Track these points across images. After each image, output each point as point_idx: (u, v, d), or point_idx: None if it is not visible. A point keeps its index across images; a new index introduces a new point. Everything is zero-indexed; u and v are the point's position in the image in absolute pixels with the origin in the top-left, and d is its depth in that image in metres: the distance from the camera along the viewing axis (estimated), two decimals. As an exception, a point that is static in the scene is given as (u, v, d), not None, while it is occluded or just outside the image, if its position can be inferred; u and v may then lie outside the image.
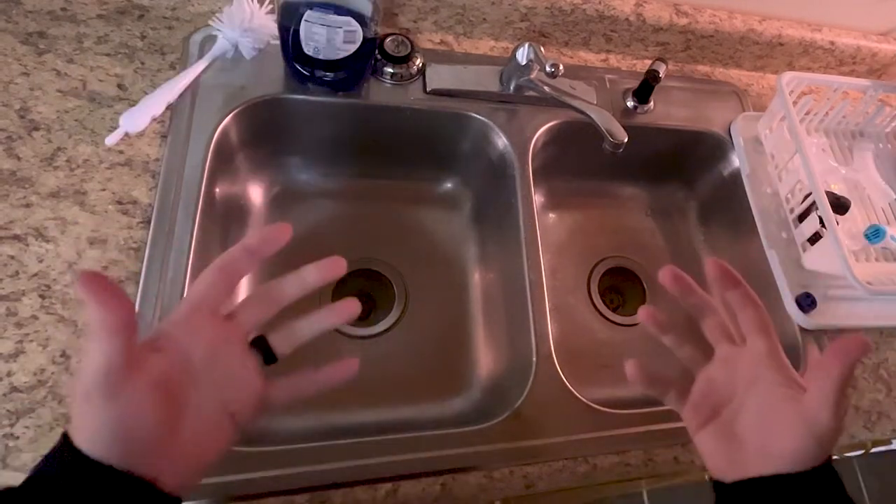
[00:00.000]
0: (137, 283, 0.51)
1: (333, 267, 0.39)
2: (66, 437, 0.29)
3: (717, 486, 0.36)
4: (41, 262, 0.50)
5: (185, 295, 0.34)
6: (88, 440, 0.29)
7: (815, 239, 0.65)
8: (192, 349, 0.34)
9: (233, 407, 0.35)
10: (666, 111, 0.76)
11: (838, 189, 0.72)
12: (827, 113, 0.76)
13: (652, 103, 0.75)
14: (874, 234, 0.65)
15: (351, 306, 0.39)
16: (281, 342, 0.38)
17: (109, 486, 0.29)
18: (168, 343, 0.33)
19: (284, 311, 0.38)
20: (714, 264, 0.40)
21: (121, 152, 0.56)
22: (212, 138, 0.59)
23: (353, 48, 0.59)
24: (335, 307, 0.39)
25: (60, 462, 0.29)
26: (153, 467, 0.30)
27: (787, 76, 0.69)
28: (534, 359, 0.58)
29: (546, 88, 0.65)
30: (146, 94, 0.58)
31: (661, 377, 0.41)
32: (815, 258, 0.65)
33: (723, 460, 0.36)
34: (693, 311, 0.42)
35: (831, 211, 0.60)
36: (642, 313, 0.42)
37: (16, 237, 0.50)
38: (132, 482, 0.29)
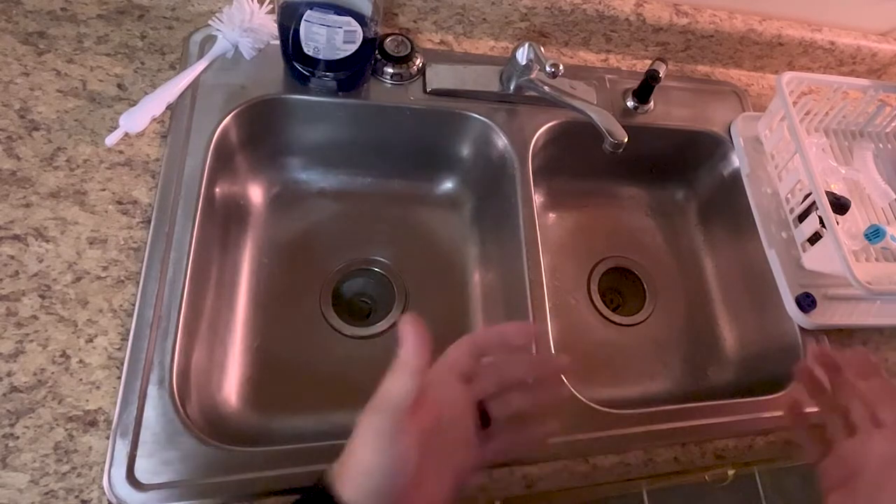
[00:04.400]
0: (137, 283, 0.51)
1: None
2: (324, 482, 0.32)
3: None
4: (41, 262, 0.50)
5: (441, 358, 0.38)
6: (351, 489, 0.31)
7: (815, 239, 0.65)
8: (442, 409, 0.36)
9: (459, 468, 0.36)
10: (666, 111, 0.76)
11: (838, 189, 0.72)
12: (827, 113, 0.76)
13: (652, 103, 0.75)
14: (874, 234, 0.65)
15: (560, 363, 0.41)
16: (496, 407, 0.39)
17: None
18: (426, 399, 0.35)
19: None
20: (857, 357, 0.46)
21: (121, 152, 0.56)
22: (212, 138, 0.59)
23: (353, 48, 0.59)
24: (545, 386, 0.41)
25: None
26: None
27: (787, 76, 0.69)
28: (534, 359, 0.58)
29: (546, 88, 0.65)
30: (146, 94, 0.58)
31: (809, 428, 0.46)
32: (815, 258, 0.65)
33: None
34: (840, 396, 0.46)
35: (831, 211, 0.60)
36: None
37: (16, 237, 0.50)
38: None
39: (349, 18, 0.56)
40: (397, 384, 0.33)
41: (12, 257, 0.50)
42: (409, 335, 0.34)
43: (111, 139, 0.55)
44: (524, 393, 0.40)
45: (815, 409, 0.48)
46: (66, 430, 0.45)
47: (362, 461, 0.32)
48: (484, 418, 0.39)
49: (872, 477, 0.40)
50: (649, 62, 0.72)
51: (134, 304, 0.50)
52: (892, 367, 0.67)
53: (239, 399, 0.61)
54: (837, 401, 0.45)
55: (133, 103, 0.58)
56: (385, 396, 0.33)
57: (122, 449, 0.45)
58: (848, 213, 0.69)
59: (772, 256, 0.68)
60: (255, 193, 0.71)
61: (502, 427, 0.39)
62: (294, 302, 0.68)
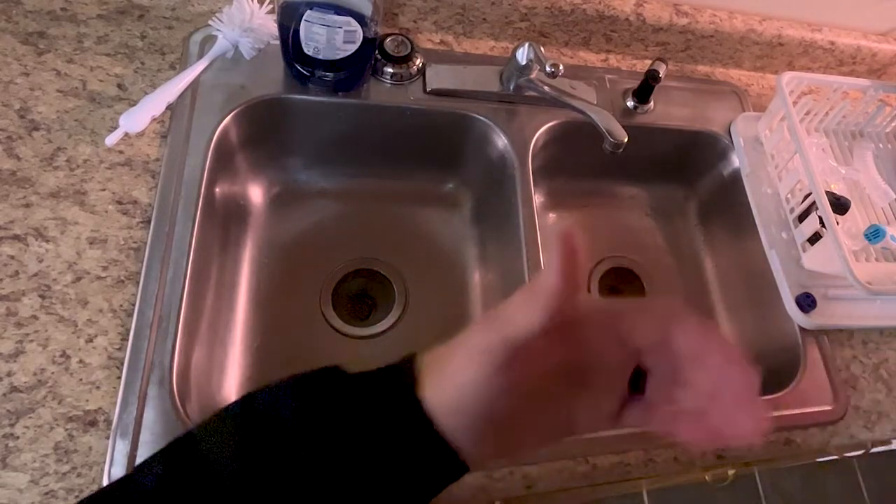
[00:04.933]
0: (137, 283, 0.51)
1: None
2: (406, 373, 0.28)
3: None
4: (41, 262, 0.50)
5: (617, 303, 0.31)
6: (438, 399, 0.27)
7: (815, 239, 0.65)
8: (591, 352, 0.29)
9: (578, 418, 0.30)
10: (666, 111, 0.76)
11: (838, 189, 0.72)
12: (827, 113, 0.76)
13: (652, 103, 0.75)
14: (874, 234, 0.65)
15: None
16: (656, 391, 0.31)
17: (419, 438, 0.27)
18: (579, 333, 0.29)
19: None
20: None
21: (121, 152, 0.56)
22: (212, 138, 0.59)
23: (353, 48, 0.59)
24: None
25: (394, 394, 0.27)
26: (472, 444, 0.27)
27: (787, 76, 0.69)
28: (534, 359, 0.57)
29: (546, 88, 0.65)
30: (146, 94, 0.58)
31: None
32: (815, 258, 0.65)
33: None
34: None
35: (831, 211, 0.60)
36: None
37: (16, 237, 0.50)
38: (440, 447, 0.27)
39: (349, 18, 0.56)
40: (522, 316, 0.26)
41: (12, 257, 0.50)
42: (557, 255, 0.26)
43: (111, 139, 0.55)
44: (693, 396, 0.30)
45: None
46: (66, 430, 0.45)
47: (460, 376, 0.27)
48: (637, 383, 0.32)
49: None
50: (649, 62, 0.72)
51: (134, 304, 0.50)
52: (892, 367, 0.67)
53: (239, 399, 0.61)
54: None
55: (133, 103, 0.58)
56: (505, 322, 0.27)
57: (122, 449, 0.45)
58: (848, 213, 0.69)
59: (772, 256, 0.68)
60: (256, 193, 0.71)
61: (654, 403, 0.31)
62: (294, 302, 0.68)
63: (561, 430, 0.31)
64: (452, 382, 0.27)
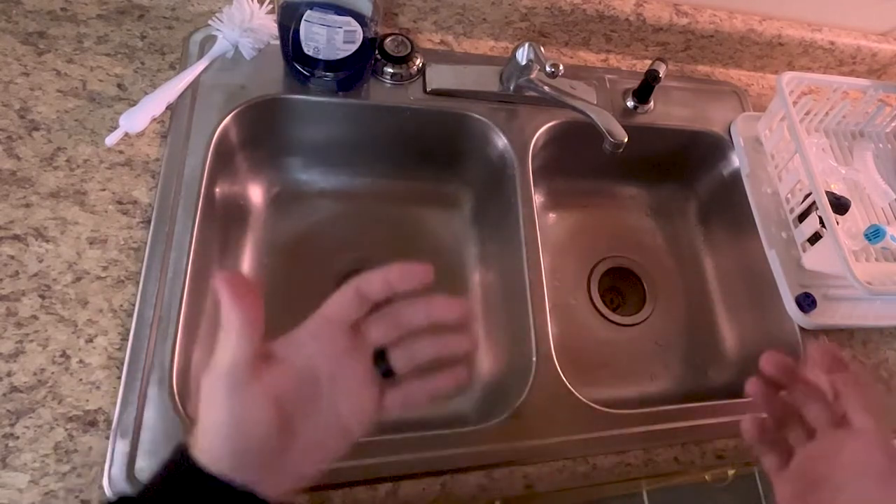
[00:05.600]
0: (137, 283, 0.51)
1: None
2: (183, 447, 0.31)
3: None
4: (41, 262, 0.50)
5: (319, 309, 0.36)
6: (204, 449, 0.30)
7: (815, 239, 0.65)
8: (318, 360, 0.34)
9: (347, 420, 0.34)
10: (666, 111, 0.76)
11: (838, 189, 0.72)
12: (827, 113, 0.76)
13: (652, 103, 0.75)
14: (874, 234, 0.65)
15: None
16: (400, 358, 0.36)
17: (212, 493, 0.30)
18: (296, 352, 0.34)
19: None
20: (821, 350, 0.41)
21: (121, 152, 0.56)
22: (212, 138, 0.59)
23: (353, 48, 0.59)
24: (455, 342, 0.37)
25: (177, 470, 0.31)
26: (258, 477, 0.30)
27: (787, 76, 0.69)
28: (534, 359, 0.58)
29: (546, 88, 0.65)
30: (146, 94, 0.58)
31: (772, 439, 0.41)
32: (815, 258, 0.65)
33: None
34: (796, 398, 0.41)
35: (831, 211, 0.60)
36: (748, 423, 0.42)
37: (16, 237, 0.50)
38: (233, 492, 0.30)
39: (349, 18, 0.56)
40: (225, 354, 0.31)
41: (12, 257, 0.50)
42: (224, 293, 0.31)
43: (111, 139, 0.55)
44: (429, 340, 0.36)
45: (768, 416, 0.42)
46: (66, 430, 0.45)
47: (207, 422, 0.31)
48: (387, 368, 0.36)
49: (834, 490, 0.35)
50: (649, 62, 0.72)
51: (134, 304, 0.50)
52: (892, 367, 0.67)
53: (239, 399, 0.61)
54: (794, 402, 0.41)
55: (133, 103, 0.58)
56: (217, 365, 0.31)
57: (122, 449, 0.45)
58: (848, 213, 0.69)
59: (772, 256, 0.68)
60: (256, 193, 0.71)
61: (406, 377, 0.36)
62: (294, 302, 0.68)
63: (335, 435, 0.34)
64: (207, 432, 0.31)
